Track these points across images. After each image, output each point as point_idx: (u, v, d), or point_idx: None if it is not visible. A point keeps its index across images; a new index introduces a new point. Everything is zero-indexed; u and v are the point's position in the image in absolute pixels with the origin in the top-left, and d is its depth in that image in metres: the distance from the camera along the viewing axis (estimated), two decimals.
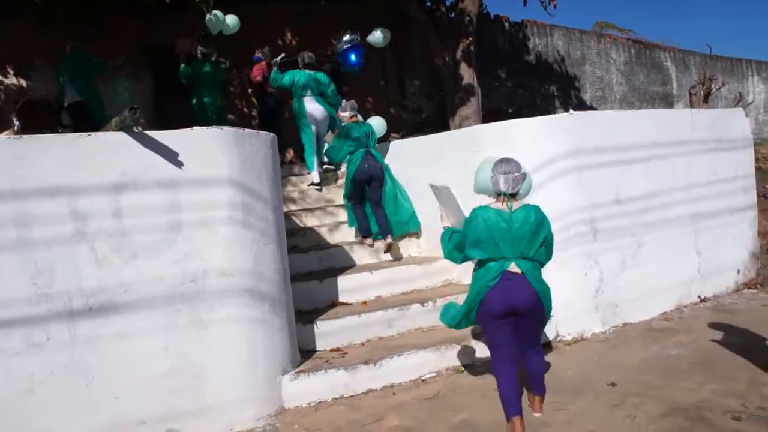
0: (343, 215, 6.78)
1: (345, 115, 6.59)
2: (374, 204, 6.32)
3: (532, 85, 12.13)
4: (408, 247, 6.56)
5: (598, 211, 5.48)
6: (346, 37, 8.43)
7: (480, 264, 3.57)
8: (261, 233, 4.14)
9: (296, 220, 6.70)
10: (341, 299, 5.49)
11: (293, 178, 7.79)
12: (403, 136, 9.57)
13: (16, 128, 6.68)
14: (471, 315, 3.68)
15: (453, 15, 8.81)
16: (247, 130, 4.16)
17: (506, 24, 12.03)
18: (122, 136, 3.68)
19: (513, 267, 3.45)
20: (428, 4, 10.01)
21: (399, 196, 6.56)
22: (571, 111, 5.48)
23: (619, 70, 13.44)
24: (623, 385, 4.23)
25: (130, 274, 3.71)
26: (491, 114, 9.98)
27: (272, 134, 4.42)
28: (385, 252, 6.21)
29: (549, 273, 5.32)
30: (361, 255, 6.18)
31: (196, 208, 3.84)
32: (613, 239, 5.60)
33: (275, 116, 8.53)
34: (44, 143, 3.53)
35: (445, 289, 5.88)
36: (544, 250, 3.60)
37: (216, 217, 3.90)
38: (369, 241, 6.25)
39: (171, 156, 3.75)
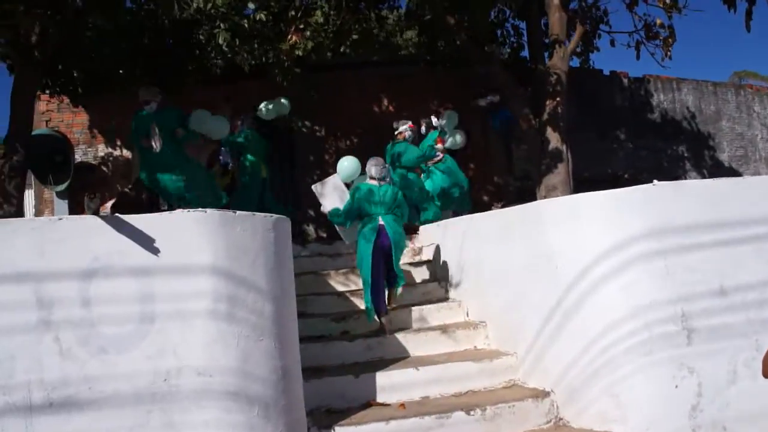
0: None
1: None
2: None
3: (656, 145, 10.83)
4: (474, 337, 5.71)
5: (692, 305, 4.35)
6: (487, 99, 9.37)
7: (360, 219, 5.74)
8: (252, 328, 3.64)
9: (353, 300, 6.17)
10: (379, 399, 4.77)
11: None
12: (504, 206, 8.81)
13: None
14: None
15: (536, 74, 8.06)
16: (238, 212, 3.76)
17: (625, 80, 10.97)
18: (95, 221, 3.43)
19: (380, 220, 5.59)
20: (529, 64, 9.39)
21: None
22: (655, 181, 4.49)
23: (764, 125, 11.65)
24: None
25: (97, 369, 3.37)
26: (601, 180, 8.93)
27: (276, 216, 3.97)
28: None
29: (625, 382, 4.37)
30: (415, 345, 5.47)
31: (172, 298, 3.46)
32: (716, 341, 4.40)
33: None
34: (13, 226, 3.36)
35: (507, 392, 4.93)
36: (399, 209, 5.80)
37: (194, 309, 3.48)
38: None
39: (146, 242, 3.43)
